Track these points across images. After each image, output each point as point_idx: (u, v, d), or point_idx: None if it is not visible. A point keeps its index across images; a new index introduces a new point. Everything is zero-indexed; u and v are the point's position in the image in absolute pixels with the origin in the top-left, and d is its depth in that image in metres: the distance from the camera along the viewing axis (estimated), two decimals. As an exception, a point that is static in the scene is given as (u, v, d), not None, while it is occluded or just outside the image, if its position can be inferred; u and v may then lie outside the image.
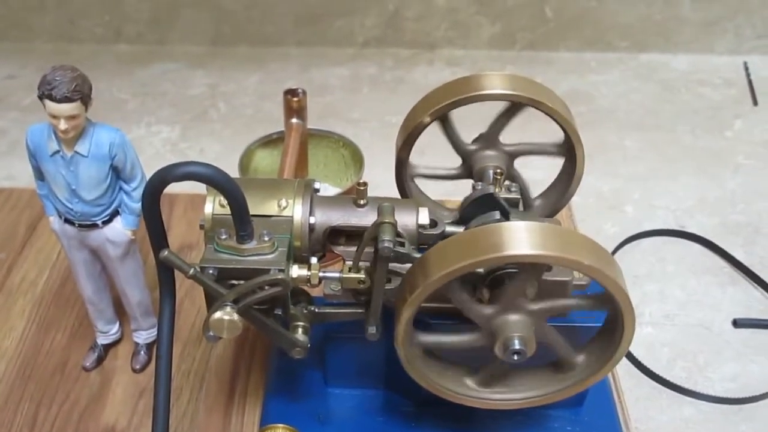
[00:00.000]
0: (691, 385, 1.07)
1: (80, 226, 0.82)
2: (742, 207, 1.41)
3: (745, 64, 1.82)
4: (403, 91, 1.73)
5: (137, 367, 0.94)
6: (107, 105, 1.66)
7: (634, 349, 1.11)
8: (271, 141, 1.10)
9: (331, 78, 1.78)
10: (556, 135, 0.83)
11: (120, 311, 0.94)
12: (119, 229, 0.83)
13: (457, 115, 0.83)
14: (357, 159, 1.10)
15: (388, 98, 1.70)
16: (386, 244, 0.65)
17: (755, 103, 1.71)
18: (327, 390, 0.86)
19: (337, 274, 0.71)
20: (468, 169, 0.86)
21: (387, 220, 0.66)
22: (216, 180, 0.62)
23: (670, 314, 1.19)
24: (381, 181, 0.96)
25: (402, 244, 0.68)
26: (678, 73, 1.81)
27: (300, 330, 0.71)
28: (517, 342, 0.65)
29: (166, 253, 0.66)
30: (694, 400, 1.06)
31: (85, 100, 0.74)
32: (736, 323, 1.16)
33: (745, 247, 1.31)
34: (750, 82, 1.77)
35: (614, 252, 1.29)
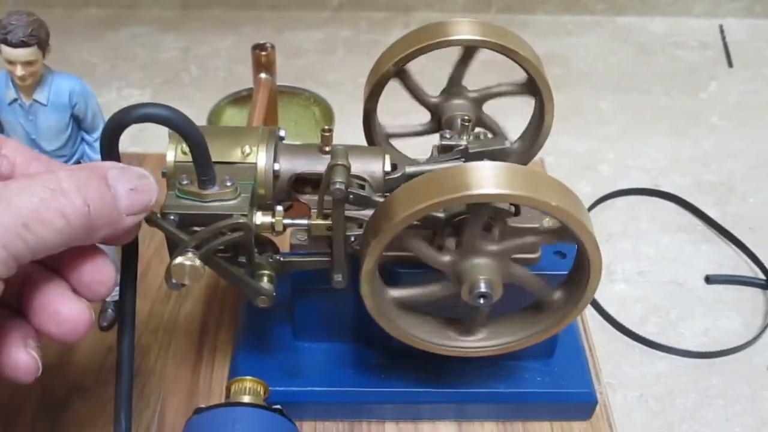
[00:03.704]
0: (663, 341, 1.07)
1: (41, 177, 0.80)
2: (716, 167, 1.41)
3: (721, 27, 1.82)
4: (377, 53, 1.70)
5: (104, 324, 0.92)
6: (77, 69, 1.61)
7: (607, 305, 1.11)
8: (240, 98, 1.09)
9: (306, 41, 1.76)
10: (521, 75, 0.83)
11: (86, 268, 0.93)
12: (81, 181, 0.81)
13: (419, 68, 0.82)
14: (327, 115, 1.08)
15: (362, 61, 1.67)
16: (338, 186, 0.64)
17: (730, 65, 1.71)
18: (296, 344, 0.85)
19: (304, 221, 0.70)
20: (437, 122, 0.85)
21: (339, 162, 0.65)
22: (174, 121, 0.60)
23: (643, 271, 1.19)
24: (354, 141, 0.95)
25: (362, 187, 0.67)
26: (655, 35, 1.81)
27: (265, 278, 0.70)
28: (483, 285, 0.65)
29: (125, 198, 0.64)
30: (666, 355, 1.06)
31: (43, 45, 0.72)
32: (709, 279, 1.16)
33: (719, 206, 1.31)
34: (725, 45, 1.76)
35: (588, 210, 1.28)
